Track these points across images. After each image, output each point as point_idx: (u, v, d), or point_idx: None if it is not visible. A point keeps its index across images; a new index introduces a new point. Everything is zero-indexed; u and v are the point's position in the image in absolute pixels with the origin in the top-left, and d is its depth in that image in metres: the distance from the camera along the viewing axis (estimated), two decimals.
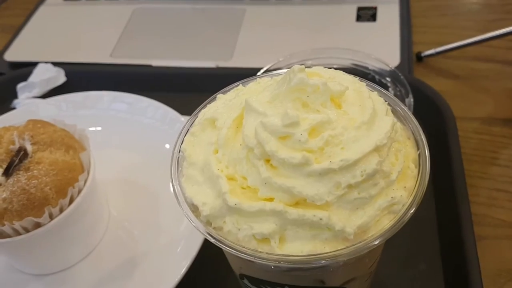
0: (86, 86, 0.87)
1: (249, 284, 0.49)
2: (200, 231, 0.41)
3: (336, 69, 0.71)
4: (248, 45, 0.95)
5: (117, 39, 1.00)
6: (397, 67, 0.84)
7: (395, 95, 0.71)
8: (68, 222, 0.60)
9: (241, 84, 0.49)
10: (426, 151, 0.43)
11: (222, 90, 0.50)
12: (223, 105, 0.47)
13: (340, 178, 0.38)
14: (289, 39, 0.96)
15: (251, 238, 0.39)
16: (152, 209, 0.69)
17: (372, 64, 0.74)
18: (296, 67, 0.42)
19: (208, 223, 0.41)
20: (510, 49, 0.92)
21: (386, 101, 0.46)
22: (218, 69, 0.90)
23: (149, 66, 0.93)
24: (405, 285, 0.62)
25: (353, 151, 0.39)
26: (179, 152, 0.45)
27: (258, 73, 0.75)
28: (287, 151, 0.39)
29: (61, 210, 0.58)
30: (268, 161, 0.40)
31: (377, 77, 0.74)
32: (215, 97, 0.49)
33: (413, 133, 0.45)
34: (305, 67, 0.45)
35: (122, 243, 0.68)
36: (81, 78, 0.93)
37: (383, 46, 0.89)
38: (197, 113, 0.48)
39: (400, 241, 0.65)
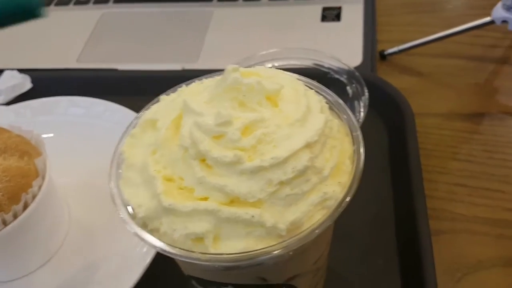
0: (52, 92, 0.87)
1: (196, 285, 0.49)
2: (134, 232, 0.41)
3: (295, 69, 0.72)
4: (215, 47, 0.96)
5: (84, 44, 1.00)
6: (359, 66, 0.85)
7: (352, 92, 0.71)
8: (24, 227, 0.60)
9: (184, 85, 0.49)
10: (361, 148, 0.44)
11: (166, 92, 0.50)
12: (164, 106, 0.47)
13: (271, 175, 0.39)
14: (256, 40, 0.96)
15: (186, 238, 0.40)
16: (111, 213, 0.68)
17: (330, 63, 0.74)
18: (230, 67, 0.43)
19: (144, 225, 0.41)
20: (474, 44, 0.93)
21: (325, 99, 0.47)
22: (184, 71, 0.90)
23: (115, 70, 0.93)
24: (361, 281, 0.62)
25: (284, 148, 0.39)
26: (120, 154, 0.46)
27: None
28: (220, 150, 0.39)
29: (15, 216, 0.58)
30: (203, 160, 0.40)
31: (336, 75, 0.74)
32: (159, 98, 0.49)
33: (350, 130, 0.45)
34: (246, 67, 0.46)
35: (83, 247, 0.68)
36: (47, 84, 0.93)
37: (346, 45, 0.89)
38: (141, 115, 0.48)
39: (358, 237, 0.66)
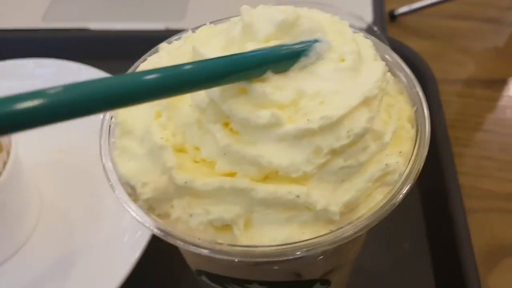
0: (15, 54, 0.74)
1: (208, 282, 0.39)
2: (139, 220, 0.31)
3: None
4: (203, 2, 0.84)
5: (50, 0, 0.87)
6: (372, 24, 0.75)
7: None
8: None
9: (190, 30, 0.39)
10: (425, 107, 0.35)
11: (167, 40, 0.40)
12: (167, 55, 0.37)
13: (321, 141, 0.29)
14: None
15: (207, 225, 0.30)
16: (91, 194, 0.58)
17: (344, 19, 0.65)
18: (246, 6, 0.33)
19: (150, 209, 0.31)
20: (489, 5, 0.85)
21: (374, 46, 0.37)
22: (168, 31, 0.79)
23: (87, 30, 0.80)
24: (388, 268, 0.54)
25: (336, 105, 0.29)
26: (111, 118, 0.35)
27: None
28: (250, 109, 0.29)
29: None
30: (227, 124, 0.30)
31: None
32: (157, 48, 0.38)
33: (406, 87, 0.36)
34: None
35: (58, 235, 0.57)
36: (10, 45, 0.80)
37: (353, 3, 0.80)
38: (137, 67, 0.38)
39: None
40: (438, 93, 0.64)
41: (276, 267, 0.34)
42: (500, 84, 0.73)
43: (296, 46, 0.30)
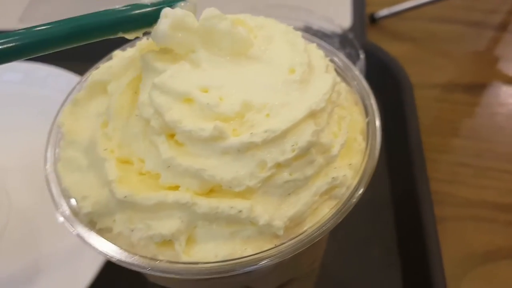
0: None
1: None
2: (77, 233, 0.30)
3: None
4: None
5: (28, 1, 0.86)
6: (348, 30, 0.75)
7: None
8: None
9: (145, 38, 0.38)
10: (377, 119, 0.34)
11: (122, 46, 0.39)
12: (119, 64, 0.36)
13: (265, 155, 0.29)
14: None
15: (148, 241, 0.29)
16: None
17: (321, 25, 0.64)
18: (208, 10, 0.32)
19: (91, 223, 0.31)
20: (471, 9, 0.84)
21: (327, 57, 0.36)
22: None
23: None
24: (357, 276, 0.54)
25: (282, 118, 0.29)
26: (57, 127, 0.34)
27: None
28: (194, 121, 0.29)
29: None
30: (171, 136, 0.30)
31: (324, 38, 0.64)
32: (111, 55, 0.38)
33: (361, 97, 0.36)
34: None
35: (26, 241, 0.56)
36: None
37: (333, 6, 0.79)
38: (88, 76, 0.37)
39: (351, 225, 0.56)
40: (414, 98, 0.64)
41: (225, 281, 0.33)
42: (480, 88, 0.72)
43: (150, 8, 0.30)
